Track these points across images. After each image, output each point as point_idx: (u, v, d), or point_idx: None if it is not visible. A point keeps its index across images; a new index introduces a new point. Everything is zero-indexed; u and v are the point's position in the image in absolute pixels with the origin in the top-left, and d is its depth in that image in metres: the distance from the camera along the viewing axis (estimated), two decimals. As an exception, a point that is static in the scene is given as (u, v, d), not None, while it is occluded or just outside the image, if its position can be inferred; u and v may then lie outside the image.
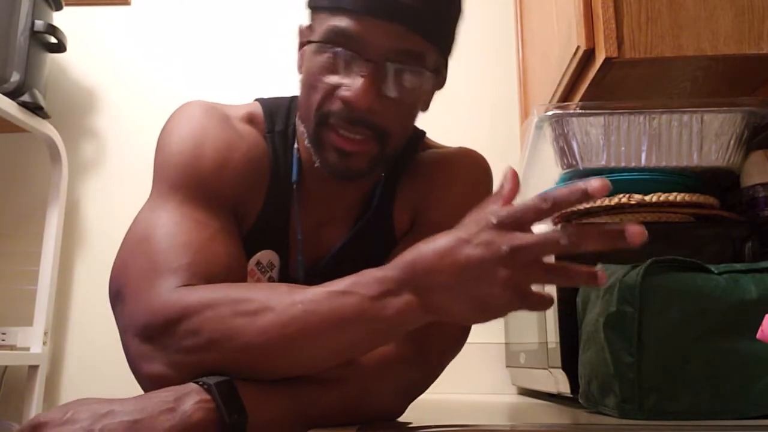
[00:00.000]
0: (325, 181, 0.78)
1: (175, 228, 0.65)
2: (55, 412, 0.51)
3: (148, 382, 0.59)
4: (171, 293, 0.60)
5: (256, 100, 0.83)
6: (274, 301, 0.57)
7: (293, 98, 0.81)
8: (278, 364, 0.58)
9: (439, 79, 0.77)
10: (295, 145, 0.79)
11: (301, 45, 0.77)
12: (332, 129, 0.69)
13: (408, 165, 0.83)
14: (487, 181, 0.83)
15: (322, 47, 0.69)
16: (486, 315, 0.56)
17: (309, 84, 0.71)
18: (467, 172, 0.82)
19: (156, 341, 0.58)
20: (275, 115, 0.81)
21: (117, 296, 0.64)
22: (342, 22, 0.67)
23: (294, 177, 0.78)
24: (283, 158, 0.79)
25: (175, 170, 0.70)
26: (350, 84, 0.67)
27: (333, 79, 0.69)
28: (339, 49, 0.68)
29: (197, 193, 0.69)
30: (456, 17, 0.75)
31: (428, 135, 0.91)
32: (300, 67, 0.76)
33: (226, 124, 0.76)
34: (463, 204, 0.79)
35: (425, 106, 0.78)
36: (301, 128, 0.77)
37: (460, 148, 0.86)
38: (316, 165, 0.73)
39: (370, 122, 0.68)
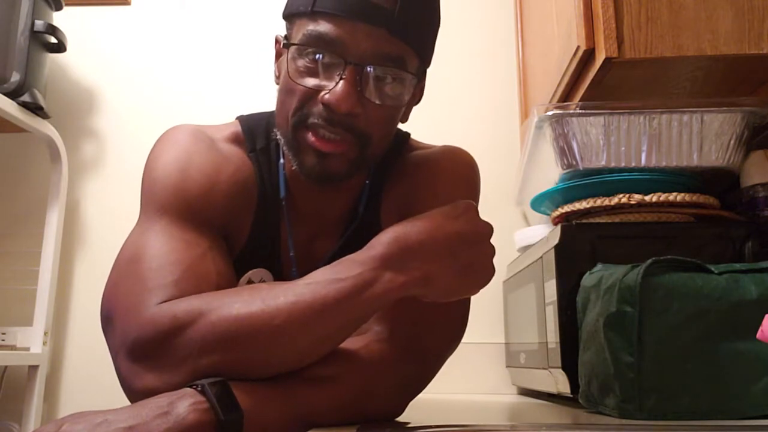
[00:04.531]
0: (313, 193, 0.78)
1: (164, 248, 0.65)
2: (50, 426, 0.51)
3: (144, 398, 0.58)
4: (158, 307, 0.60)
5: (237, 118, 0.83)
6: (258, 299, 0.58)
7: (271, 113, 0.80)
8: (270, 358, 0.58)
9: (417, 90, 0.77)
10: (281, 161, 0.79)
11: (278, 55, 0.76)
12: (310, 130, 0.68)
13: (393, 169, 0.83)
14: (471, 176, 0.83)
15: (302, 50, 0.68)
16: (472, 280, 0.63)
17: (287, 88, 0.70)
18: (451, 170, 0.82)
19: (147, 357, 0.58)
20: (255, 133, 0.80)
21: (107, 319, 0.64)
22: (321, 26, 0.67)
23: (282, 193, 0.78)
24: (268, 176, 0.79)
25: (163, 193, 0.70)
26: (331, 87, 0.66)
27: (312, 82, 0.68)
28: (319, 52, 0.67)
29: (185, 215, 0.69)
30: (435, 28, 0.75)
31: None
32: (277, 78, 0.75)
33: (211, 147, 0.76)
34: (448, 202, 0.80)
35: (405, 117, 0.78)
36: (278, 137, 0.76)
37: (444, 146, 0.86)
38: (293, 168, 0.73)
39: (350, 125, 0.68)
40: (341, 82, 0.66)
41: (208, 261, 0.66)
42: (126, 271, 0.65)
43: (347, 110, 0.66)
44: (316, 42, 0.67)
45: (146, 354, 0.58)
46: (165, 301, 0.60)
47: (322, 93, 0.67)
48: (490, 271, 0.64)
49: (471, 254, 0.62)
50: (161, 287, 0.61)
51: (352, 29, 0.66)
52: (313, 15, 0.67)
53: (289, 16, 0.72)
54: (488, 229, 0.65)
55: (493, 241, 0.66)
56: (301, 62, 0.68)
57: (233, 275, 0.71)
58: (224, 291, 0.62)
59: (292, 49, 0.69)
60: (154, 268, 0.63)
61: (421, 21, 0.70)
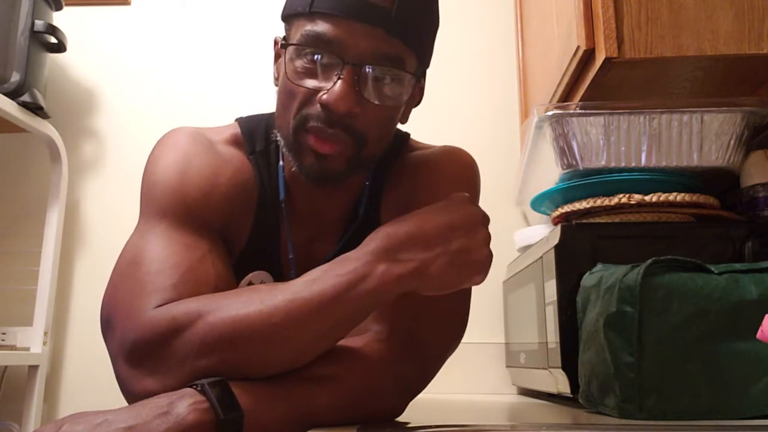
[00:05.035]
0: (313, 195, 0.78)
1: (163, 252, 0.65)
2: (50, 427, 0.51)
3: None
4: (156, 311, 0.60)
5: (236, 120, 0.83)
6: (256, 299, 0.59)
7: (270, 115, 0.80)
8: (269, 357, 0.59)
9: (416, 90, 0.76)
10: (281, 163, 0.79)
11: (277, 57, 0.76)
12: (309, 133, 0.68)
13: (393, 169, 0.83)
14: (471, 176, 0.83)
15: (300, 51, 0.68)
16: (468, 268, 0.62)
17: (286, 89, 0.70)
18: (451, 170, 0.82)
19: (146, 360, 0.58)
20: (254, 135, 0.80)
21: (107, 323, 0.64)
22: (319, 26, 0.66)
23: (282, 195, 0.78)
24: (267, 178, 0.79)
25: (162, 197, 0.70)
26: (329, 87, 0.66)
27: (311, 83, 0.68)
28: (317, 53, 0.67)
29: (184, 218, 0.69)
30: (433, 28, 0.74)
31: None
32: (276, 80, 0.75)
33: (210, 150, 0.76)
34: None
35: (404, 119, 0.78)
36: (278, 138, 0.75)
37: (444, 147, 0.86)
38: (293, 169, 0.73)
39: (348, 126, 0.67)
40: (339, 82, 0.65)
41: (207, 264, 0.66)
42: (125, 274, 0.65)
43: (345, 110, 0.66)
44: (314, 42, 0.67)
45: (145, 357, 0.58)
46: (163, 305, 0.60)
47: (320, 93, 0.67)
48: (485, 257, 0.63)
49: (463, 241, 0.61)
50: (160, 291, 0.61)
51: (350, 29, 0.66)
52: (311, 15, 0.67)
53: (288, 17, 0.72)
54: (480, 214, 0.64)
55: (493, 241, 0.66)
56: (299, 63, 0.68)
57: (232, 278, 0.71)
58: (223, 293, 0.62)
59: (290, 49, 0.69)
60: (153, 271, 0.63)
61: (419, 21, 0.70)
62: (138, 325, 0.59)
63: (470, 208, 0.64)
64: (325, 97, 0.66)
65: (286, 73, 0.69)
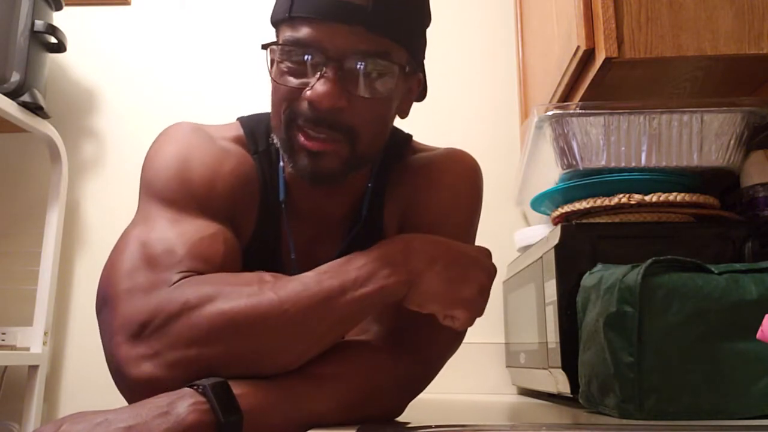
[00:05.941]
0: (313, 195, 0.78)
1: (170, 232, 0.66)
2: (50, 426, 0.51)
3: (139, 387, 0.57)
4: (168, 291, 0.60)
5: (238, 119, 0.83)
6: (266, 288, 0.60)
7: (269, 115, 0.80)
8: (276, 347, 0.59)
9: (413, 83, 0.76)
10: (281, 163, 0.79)
11: (272, 62, 0.77)
12: (300, 131, 0.69)
13: (395, 171, 0.83)
14: (474, 178, 0.83)
15: (284, 53, 0.69)
16: (449, 300, 0.64)
17: (275, 90, 0.71)
18: (453, 173, 0.82)
19: (151, 340, 0.58)
20: (256, 134, 0.81)
21: (104, 302, 0.63)
22: (300, 31, 0.67)
23: (281, 195, 0.78)
24: (270, 178, 0.79)
25: (165, 187, 0.70)
26: (312, 84, 0.66)
27: (297, 82, 0.68)
28: (299, 54, 0.67)
29: (190, 205, 0.69)
30: (419, 18, 0.74)
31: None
32: None
33: (212, 142, 0.76)
34: (450, 205, 0.80)
35: (403, 113, 0.77)
36: (275, 140, 0.76)
37: (447, 149, 0.86)
38: (289, 169, 0.73)
39: (334, 122, 0.67)
40: (321, 79, 0.66)
41: (216, 241, 0.67)
42: (127, 255, 0.64)
43: (329, 105, 0.66)
44: (296, 46, 0.67)
45: (151, 337, 0.58)
46: (173, 283, 0.60)
47: (305, 90, 0.67)
48: (472, 298, 0.64)
49: (464, 274, 0.64)
50: (168, 268, 0.62)
51: (330, 31, 0.66)
52: (292, 20, 0.68)
53: (274, 23, 0.73)
54: (491, 266, 0.67)
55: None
56: (284, 65, 0.69)
57: (240, 257, 0.71)
58: (234, 278, 0.62)
59: (277, 52, 0.70)
60: (160, 251, 0.63)
61: (401, 13, 0.70)
62: (146, 305, 0.59)
63: (486, 258, 0.67)
64: (308, 94, 0.66)
65: (273, 75, 0.70)
